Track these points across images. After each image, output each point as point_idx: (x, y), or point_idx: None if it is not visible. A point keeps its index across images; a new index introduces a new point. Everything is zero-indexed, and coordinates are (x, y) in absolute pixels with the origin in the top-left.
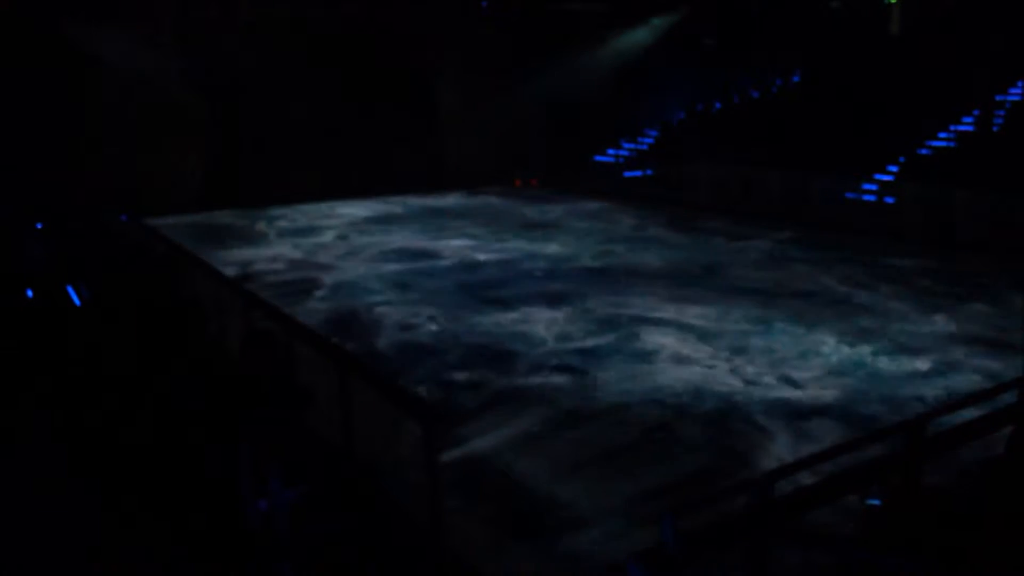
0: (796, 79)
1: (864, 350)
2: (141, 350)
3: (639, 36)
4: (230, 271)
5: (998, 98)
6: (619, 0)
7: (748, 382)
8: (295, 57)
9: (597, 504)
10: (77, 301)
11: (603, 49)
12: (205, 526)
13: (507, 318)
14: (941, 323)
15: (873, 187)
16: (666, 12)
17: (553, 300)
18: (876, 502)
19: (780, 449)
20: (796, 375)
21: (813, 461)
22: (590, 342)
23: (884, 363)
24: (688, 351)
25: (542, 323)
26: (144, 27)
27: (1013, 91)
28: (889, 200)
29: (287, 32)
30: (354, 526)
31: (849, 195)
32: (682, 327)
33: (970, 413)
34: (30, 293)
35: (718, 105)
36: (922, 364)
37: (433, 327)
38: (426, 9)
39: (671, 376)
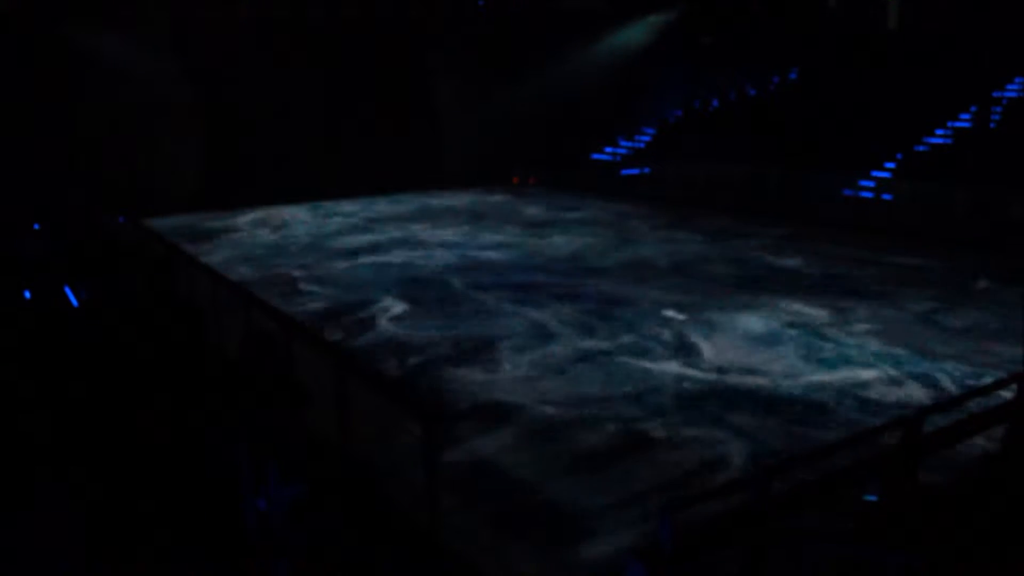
0: (793, 76)
1: (853, 344)
2: (139, 350)
3: (636, 34)
4: (242, 272)
5: (995, 94)
6: None
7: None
8: (294, 57)
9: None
10: (75, 302)
11: (601, 47)
12: (204, 524)
13: (500, 313)
14: (935, 318)
15: (871, 184)
16: (663, 10)
17: (544, 296)
18: (873, 498)
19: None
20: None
21: (811, 458)
22: (579, 337)
23: (870, 358)
24: (677, 349)
25: (528, 320)
26: (143, 28)
27: (1010, 87)
28: (887, 197)
29: (286, 32)
30: (352, 524)
31: (847, 192)
32: (673, 324)
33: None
34: (28, 294)
35: (715, 103)
36: (903, 352)
37: (425, 323)
38: (424, 9)
39: (657, 370)
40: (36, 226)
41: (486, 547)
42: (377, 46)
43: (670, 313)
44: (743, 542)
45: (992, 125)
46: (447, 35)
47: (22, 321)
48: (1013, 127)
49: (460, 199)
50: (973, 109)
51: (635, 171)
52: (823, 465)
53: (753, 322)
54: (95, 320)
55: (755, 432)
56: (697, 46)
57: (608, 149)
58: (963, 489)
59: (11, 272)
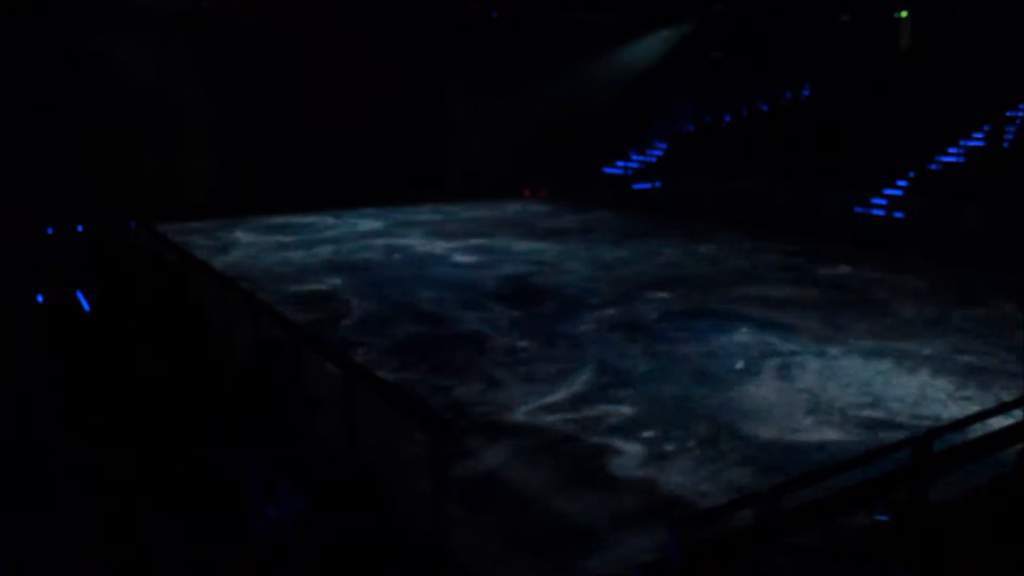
0: (806, 93)
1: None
2: (149, 355)
3: (648, 48)
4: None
5: (1009, 113)
6: (629, 12)
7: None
8: (305, 65)
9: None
10: (87, 306)
11: (612, 61)
12: (211, 533)
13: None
14: (944, 336)
15: (883, 201)
16: (676, 24)
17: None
18: (884, 518)
19: None
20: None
21: (820, 476)
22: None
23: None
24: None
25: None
26: (157, 34)
27: None
28: (898, 215)
29: (298, 40)
30: (360, 534)
31: (858, 209)
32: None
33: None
34: (40, 298)
35: (727, 118)
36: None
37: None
38: (436, 19)
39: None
40: (49, 231)
41: (494, 558)
42: (389, 57)
43: (673, 329)
44: (751, 560)
45: (1005, 144)
46: (460, 46)
47: (35, 324)
48: None
49: (470, 211)
50: (986, 128)
51: (646, 185)
52: (833, 483)
53: (785, 341)
54: (106, 325)
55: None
56: (709, 61)
57: (620, 163)
58: (974, 510)
59: (25, 276)
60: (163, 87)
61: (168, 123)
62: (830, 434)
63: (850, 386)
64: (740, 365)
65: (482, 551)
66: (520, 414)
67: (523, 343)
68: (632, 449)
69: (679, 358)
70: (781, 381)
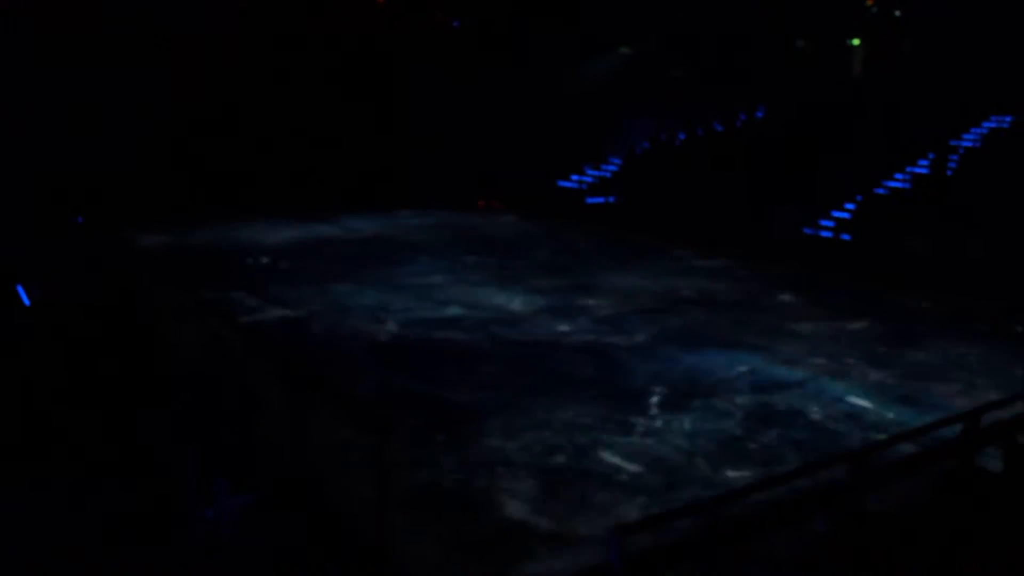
0: (760, 115)
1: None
2: (89, 354)
3: (607, 65)
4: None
5: (952, 143)
6: (587, 28)
7: None
8: (260, 72)
9: None
10: (27, 301)
11: (571, 76)
12: (151, 533)
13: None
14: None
15: (830, 223)
16: (635, 43)
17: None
18: (822, 528)
19: None
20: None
21: (761, 486)
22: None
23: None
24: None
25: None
26: (121, 34)
27: (967, 136)
28: (845, 237)
29: (253, 46)
30: (301, 535)
31: (807, 231)
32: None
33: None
34: None
35: (682, 136)
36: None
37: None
38: (395, 28)
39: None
40: None
41: (437, 564)
42: (345, 65)
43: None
44: (691, 567)
45: (949, 172)
46: (415, 54)
47: None
48: (968, 175)
49: (424, 220)
50: (931, 156)
51: (600, 199)
52: (773, 494)
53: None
54: (46, 321)
55: None
56: (666, 80)
57: (574, 177)
58: (910, 521)
59: None
60: (117, 85)
61: (121, 122)
62: None
63: None
64: None
65: (425, 555)
66: None
67: None
68: None
69: None
70: None
